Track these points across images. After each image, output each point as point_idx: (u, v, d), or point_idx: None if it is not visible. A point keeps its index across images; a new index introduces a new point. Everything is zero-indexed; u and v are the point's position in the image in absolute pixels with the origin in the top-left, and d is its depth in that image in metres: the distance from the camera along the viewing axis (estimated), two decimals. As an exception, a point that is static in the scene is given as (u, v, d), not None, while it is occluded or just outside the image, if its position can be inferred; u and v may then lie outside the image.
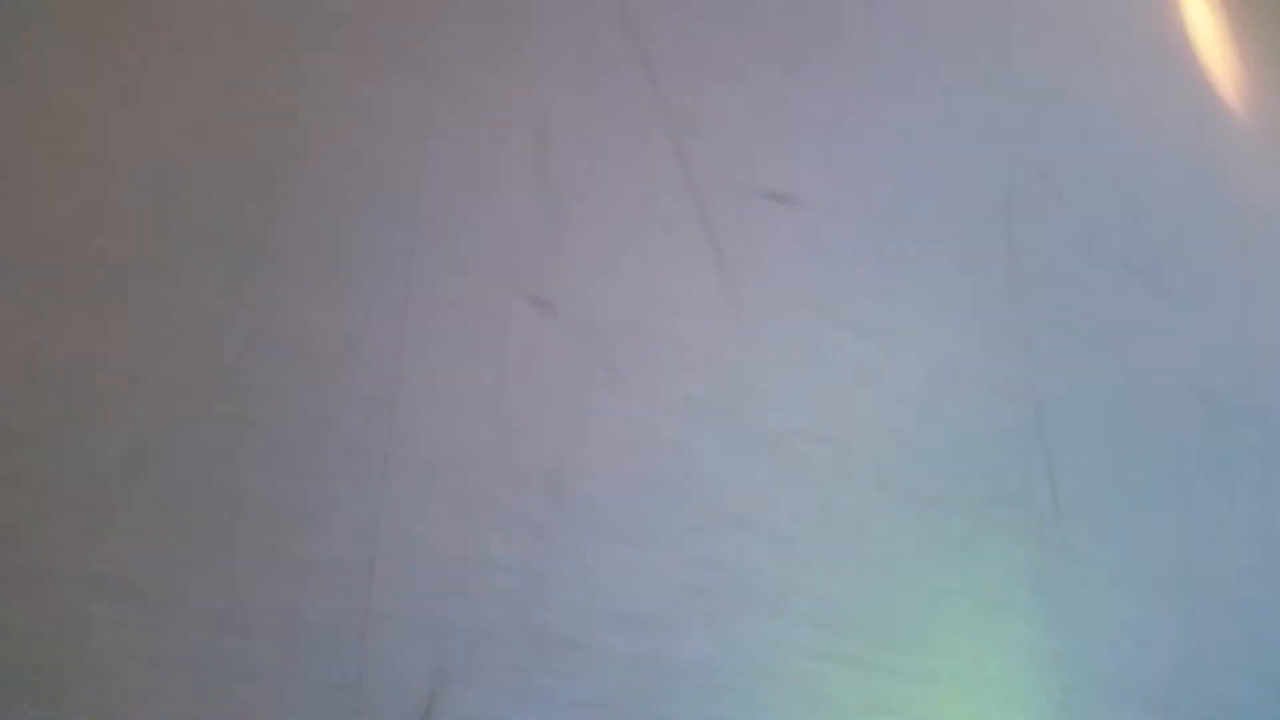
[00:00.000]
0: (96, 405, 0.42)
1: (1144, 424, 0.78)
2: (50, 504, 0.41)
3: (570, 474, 0.51)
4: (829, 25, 0.73)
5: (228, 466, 0.43)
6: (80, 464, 0.41)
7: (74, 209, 0.44)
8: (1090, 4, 0.93)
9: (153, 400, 0.43)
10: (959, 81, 0.79)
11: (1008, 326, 0.72)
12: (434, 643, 0.45)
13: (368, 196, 0.49)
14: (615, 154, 0.59)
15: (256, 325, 0.45)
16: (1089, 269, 0.81)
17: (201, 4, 0.49)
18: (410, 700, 0.43)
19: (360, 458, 0.45)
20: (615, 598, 0.50)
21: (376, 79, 0.52)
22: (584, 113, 0.59)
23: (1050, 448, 0.71)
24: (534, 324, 0.53)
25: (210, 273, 0.45)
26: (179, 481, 0.42)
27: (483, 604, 0.46)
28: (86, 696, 0.40)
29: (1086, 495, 0.71)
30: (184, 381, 0.44)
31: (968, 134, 0.77)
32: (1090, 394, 0.75)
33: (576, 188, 0.57)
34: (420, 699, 0.44)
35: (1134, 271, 0.84)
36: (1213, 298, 0.91)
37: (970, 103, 0.79)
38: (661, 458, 0.55)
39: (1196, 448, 0.82)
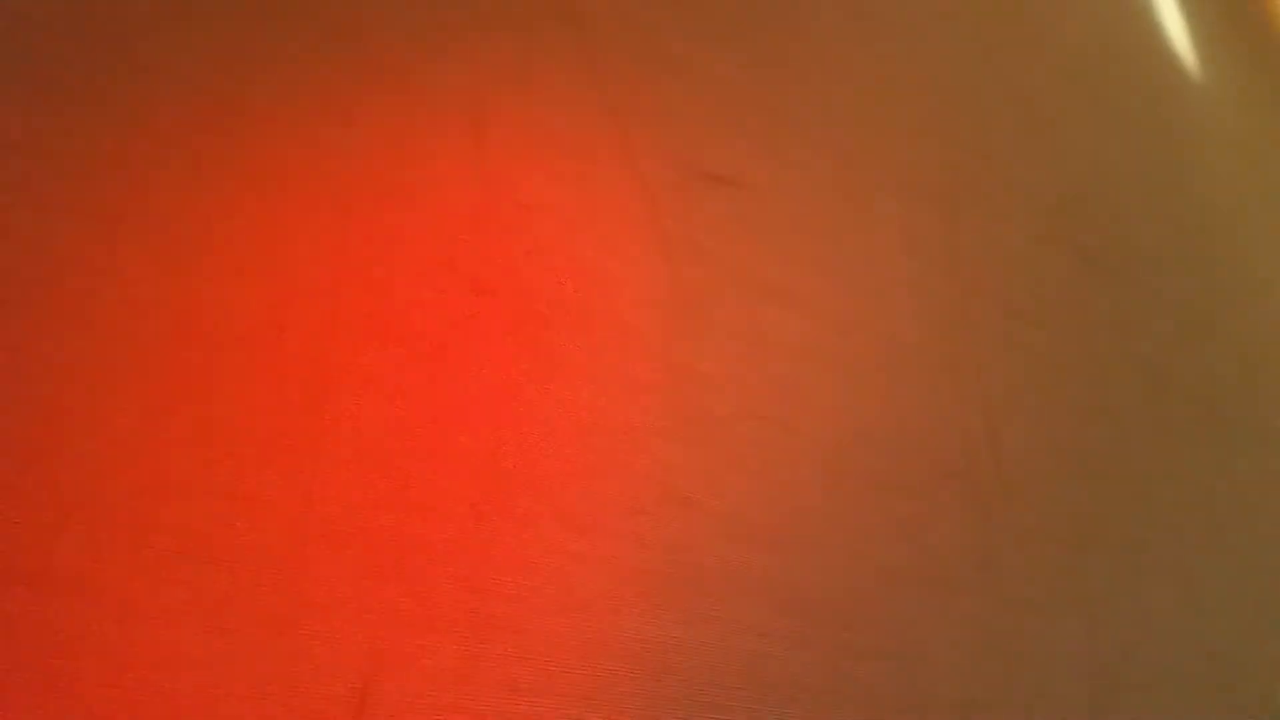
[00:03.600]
0: (17, 391, 0.41)
1: (1088, 402, 0.79)
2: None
3: (510, 457, 0.51)
4: (772, 8, 0.73)
5: (150, 453, 0.42)
6: (-1, 455, 0.40)
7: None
8: (1033, -13, 0.94)
9: (66, 384, 0.42)
10: (902, 62, 0.79)
11: (951, 306, 0.73)
12: (369, 628, 0.44)
13: (295, 178, 0.48)
14: (554, 136, 0.59)
15: (180, 310, 0.44)
16: (1032, 250, 0.81)
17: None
18: (345, 687, 0.43)
19: (289, 442, 0.45)
20: (557, 581, 0.50)
21: (304, 59, 0.51)
22: (522, 94, 0.58)
23: (994, 426, 0.71)
24: (471, 307, 0.53)
25: (132, 258, 0.44)
26: (100, 469, 0.41)
27: (420, 589, 0.46)
28: (9, 690, 0.39)
29: (1031, 472, 0.72)
30: (104, 368, 0.43)
31: (914, 116, 0.78)
32: (1034, 372, 0.76)
33: (515, 170, 0.56)
34: (355, 686, 0.43)
35: (1078, 252, 0.85)
36: (1158, 277, 0.92)
37: (917, 85, 0.79)
38: (604, 440, 0.55)
39: (1141, 424, 0.83)
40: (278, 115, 0.49)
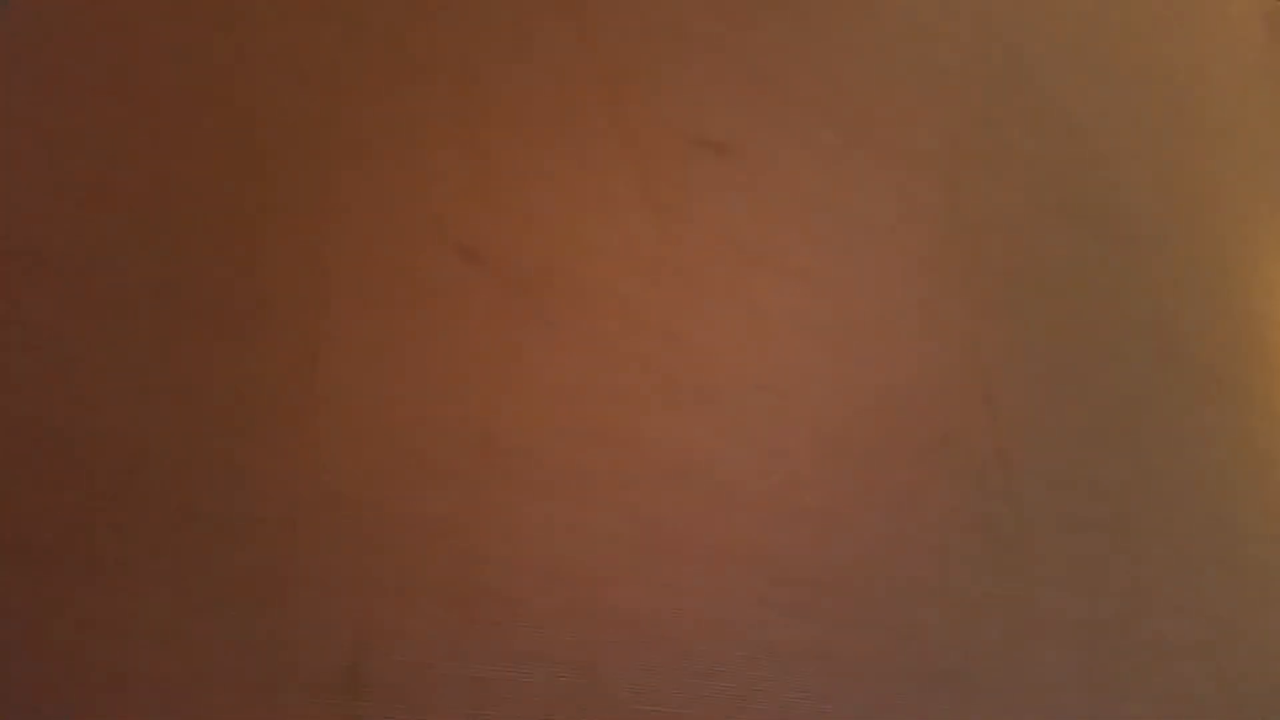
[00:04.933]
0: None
1: (1088, 369, 0.79)
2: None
3: (501, 426, 0.51)
4: (768, -29, 0.72)
5: (138, 425, 0.42)
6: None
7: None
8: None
9: (58, 360, 0.42)
10: (900, 30, 0.78)
11: (951, 273, 0.72)
12: (359, 600, 0.44)
13: (279, 146, 0.48)
14: (545, 101, 0.58)
15: (165, 284, 0.44)
16: (1034, 218, 0.80)
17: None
18: (334, 658, 0.43)
19: (278, 414, 0.44)
20: (549, 551, 0.50)
21: (288, 27, 0.50)
22: (512, 58, 0.57)
23: (993, 395, 0.71)
24: (462, 275, 0.52)
25: (115, 235, 0.44)
26: (89, 441, 0.41)
27: (410, 560, 0.46)
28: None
29: (1030, 441, 0.72)
30: (91, 341, 0.42)
31: (909, 82, 0.77)
32: (1034, 340, 0.76)
33: (506, 137, 0.56)
34: (345, 656, 0.43)
35: (1079, 218, 0.84)
36: (1160, 244, 0.91)
37: (914, 55, 0.78)
38: (596, 409, 0.54)
39: (1142, 393, 0.83)
40: (257, 84, 0.48)
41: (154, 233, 0.44)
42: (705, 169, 0.63)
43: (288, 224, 0.47)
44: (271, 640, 0.42)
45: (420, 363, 0.49)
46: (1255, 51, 1.13)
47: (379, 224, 0.50)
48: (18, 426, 0.40)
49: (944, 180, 0.75)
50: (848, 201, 0.69)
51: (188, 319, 0.44)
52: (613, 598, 0.51)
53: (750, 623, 0.55)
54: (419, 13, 0.55)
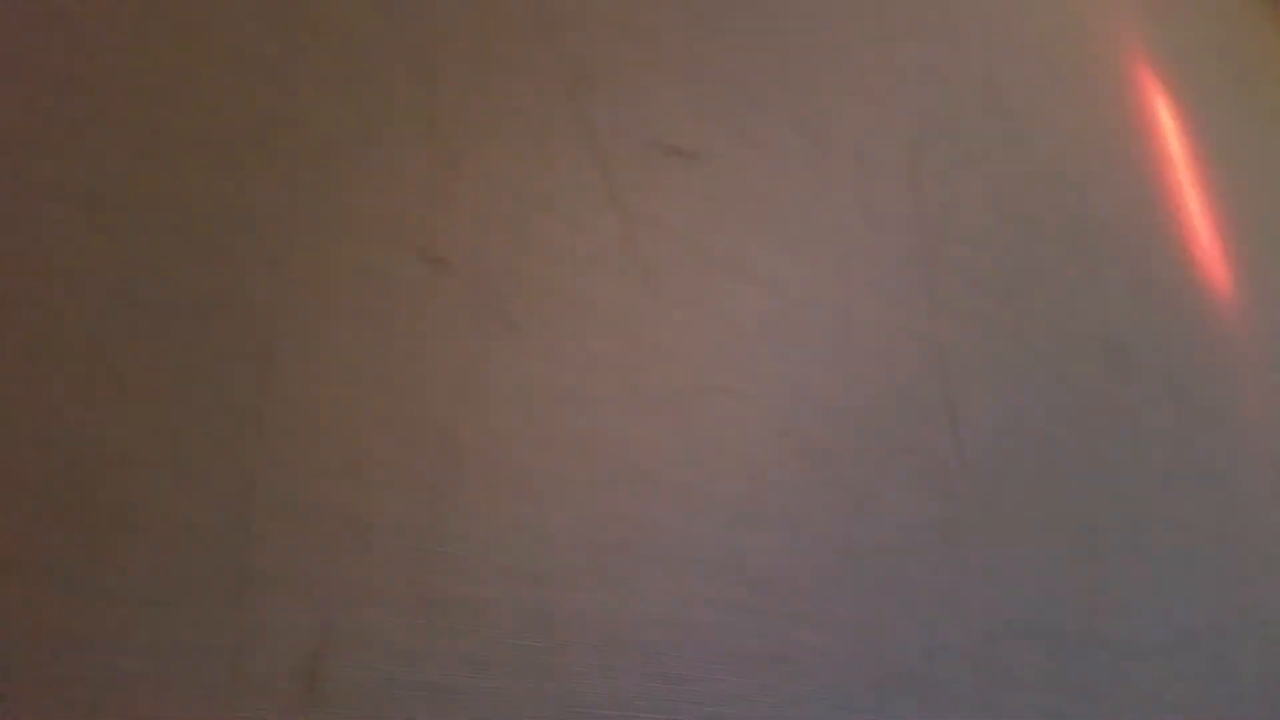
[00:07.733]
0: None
1: (1049, 375, 0.80)
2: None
3: (464, 431, 0.50)
4: (733, -20, 0.73)
5: (90, 426, 0.41)
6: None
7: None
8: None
9: (8, 360, 0.41)
10: (865, 39, 0.79)
11: (912, 280, 0.73)
12: (318, 604, 0.43)
13: (234, 146, 0.47)
14: (509, 103, 0.58)
15: (118, 282, 0.43)
16: (995, 225, 0.81)
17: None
18: (292, 663, 0.42)
19: (233, 416, 0.44)
20: (511, 554, 0.49)
21: (239, 23, 0.49)
22: (475, 58, 0.57)
23: (954, 399, 0.71)
24: (424, 280, 0.52)
25: (65, 229, 0.43)
26: (39, 443, 0.40)
27: (370, 564, 0.45)
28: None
29: (991, 445, 0.72)
30: (42, 340, 0.41)
31: (874, 91, 0.77)
32: (995, 346, 0.76)
33: (468, 138, 0.55)
34: (303, 662, 0.42)
35: (1040, 228, 0.85)
36: (1121, 253, 0.93)
37: (877, 61, 0.79)
38: (560, 413, 0.54)
39: (1102, 398, 0.84)
40: (211, 82, 0.48)
41: (105, 230, 0.44)
42: (672, 175, 0.63)
43: (243, 223, 0.47)
44: (226, 645, 0.41)
45: (379, 364, 0.49)
46: (1225, 64, 1.15)
47: (337, 224, 0.50)
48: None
49: (905, 187, 0.76)
50: (812, 208, 0.70)
51: (140, 318, 0.43)
52: (575, 602, 0.50)
53: (714, 625, 0.55)
54: (378, 11, 0.55)
